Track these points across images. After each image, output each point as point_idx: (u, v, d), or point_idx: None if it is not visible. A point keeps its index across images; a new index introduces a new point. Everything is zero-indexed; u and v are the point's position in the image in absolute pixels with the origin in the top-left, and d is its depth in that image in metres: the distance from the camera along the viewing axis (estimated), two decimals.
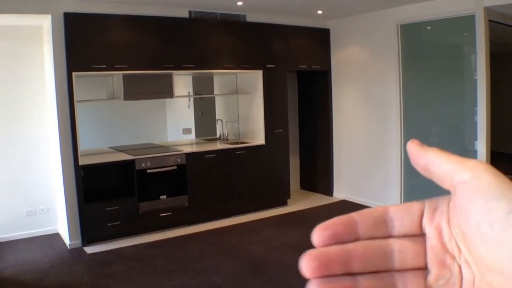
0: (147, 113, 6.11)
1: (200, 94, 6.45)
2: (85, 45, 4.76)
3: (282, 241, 5.03)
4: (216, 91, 6.61)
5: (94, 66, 4.81)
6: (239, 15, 5.93)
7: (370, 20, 6.09)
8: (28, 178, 5.31)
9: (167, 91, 5.56)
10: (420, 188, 5.65)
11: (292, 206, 6.41)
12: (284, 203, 6.45)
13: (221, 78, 6.57)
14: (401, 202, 5.89)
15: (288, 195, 6.48)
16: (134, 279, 4.07)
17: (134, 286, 3.92)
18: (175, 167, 5.43)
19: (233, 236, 5.22)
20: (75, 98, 4.78)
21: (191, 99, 6.39)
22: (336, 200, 6.80)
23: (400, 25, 5.72)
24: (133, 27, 5.06)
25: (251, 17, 6.01)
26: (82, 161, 4.89)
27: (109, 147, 5.69)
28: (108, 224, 5.01)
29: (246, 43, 5.90)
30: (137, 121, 6.04)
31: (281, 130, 6.28)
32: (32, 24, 5.15)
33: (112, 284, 3.97)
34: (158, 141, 6.12)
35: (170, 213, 5.42)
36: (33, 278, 4.10)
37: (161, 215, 5.36)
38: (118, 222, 5.07)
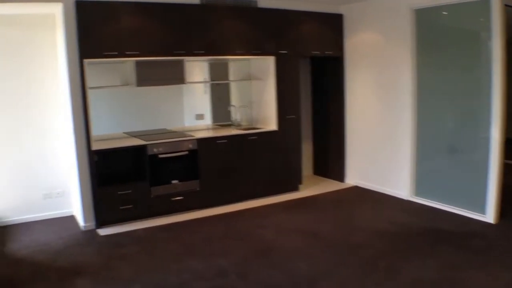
0: (164, 99, 6.19)
1: (215, 80, 6.49)
2: (97, 32, 4.84)
3: (291, 226, 5.06)
4: (231, 77, 6.64)
5: (105, 53, 4.89)
6: (250, 1, 5.91)
7: (384, 5, 6.00)
8: (44, 162, 5.48)
9: (179, 77, 5.62)
10: (433, 174, 5.62)
11: (303, 192, 6.44)
12: (295, 189, 6.47)
13: (235, 64, 6.59)
14: (413, 189, 5.88)
15: (299, 181, 6.50)
16: (142, 261, 4.17)
17: (142, 268, 4.02)
18: (186, 152, 5.51)
19: (242, 220, 5.28)
20: (87, 85, 4.88)
21: (208, 85, 6.45)
22: (347, 186, 6.79)
23: (414, 10, 5.63)
24: (144, 14, 5.10)
25: (262, 3, 5.98)
26: (96, 146, 5.02)
27: (124, 133, 5.81)
28: (121, 208, 5.15)
29: (257, 29, 5.88)
30: (154, 107, 6.13)
31: (293, 116, 6.28)
32: (44, 12, 5.24)
33: (121, 265, 4.09)
34: (174, 126, 6.21)
35: (181, 197, 5.53)
36: (46, 259, 4.25)
37: (172, 199, 5.47)
38: (131, 206, 5.20)
